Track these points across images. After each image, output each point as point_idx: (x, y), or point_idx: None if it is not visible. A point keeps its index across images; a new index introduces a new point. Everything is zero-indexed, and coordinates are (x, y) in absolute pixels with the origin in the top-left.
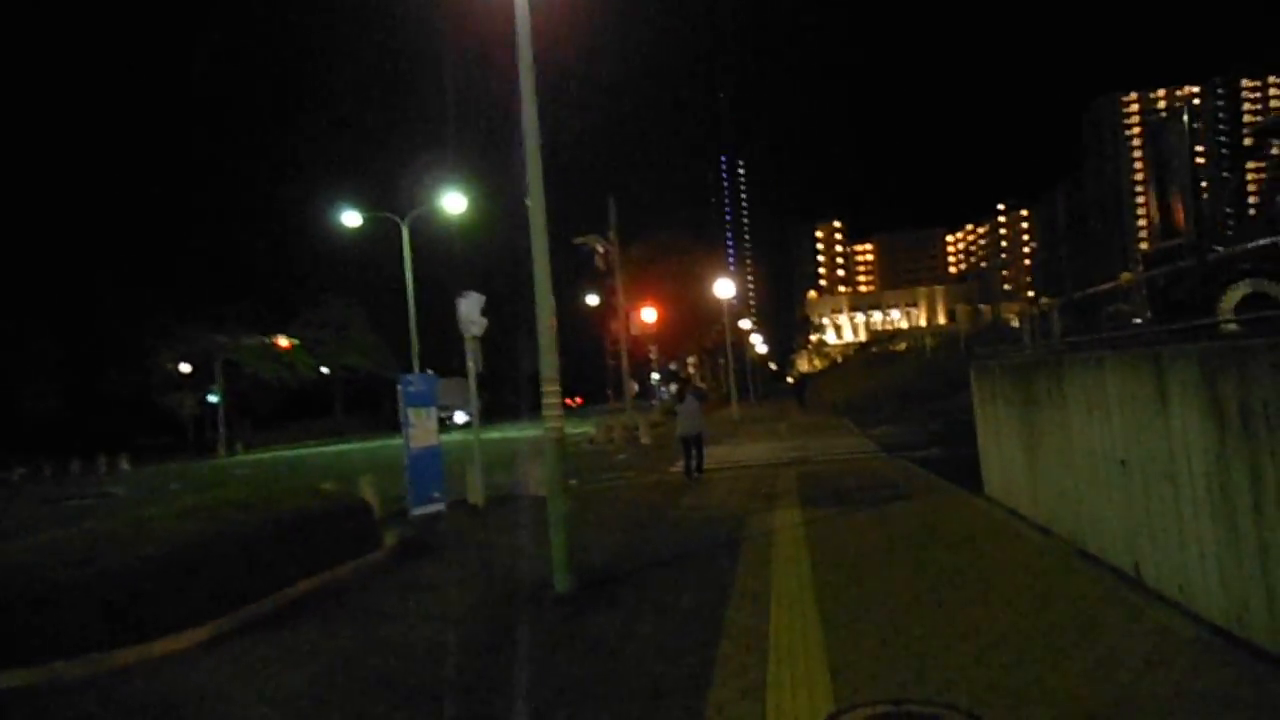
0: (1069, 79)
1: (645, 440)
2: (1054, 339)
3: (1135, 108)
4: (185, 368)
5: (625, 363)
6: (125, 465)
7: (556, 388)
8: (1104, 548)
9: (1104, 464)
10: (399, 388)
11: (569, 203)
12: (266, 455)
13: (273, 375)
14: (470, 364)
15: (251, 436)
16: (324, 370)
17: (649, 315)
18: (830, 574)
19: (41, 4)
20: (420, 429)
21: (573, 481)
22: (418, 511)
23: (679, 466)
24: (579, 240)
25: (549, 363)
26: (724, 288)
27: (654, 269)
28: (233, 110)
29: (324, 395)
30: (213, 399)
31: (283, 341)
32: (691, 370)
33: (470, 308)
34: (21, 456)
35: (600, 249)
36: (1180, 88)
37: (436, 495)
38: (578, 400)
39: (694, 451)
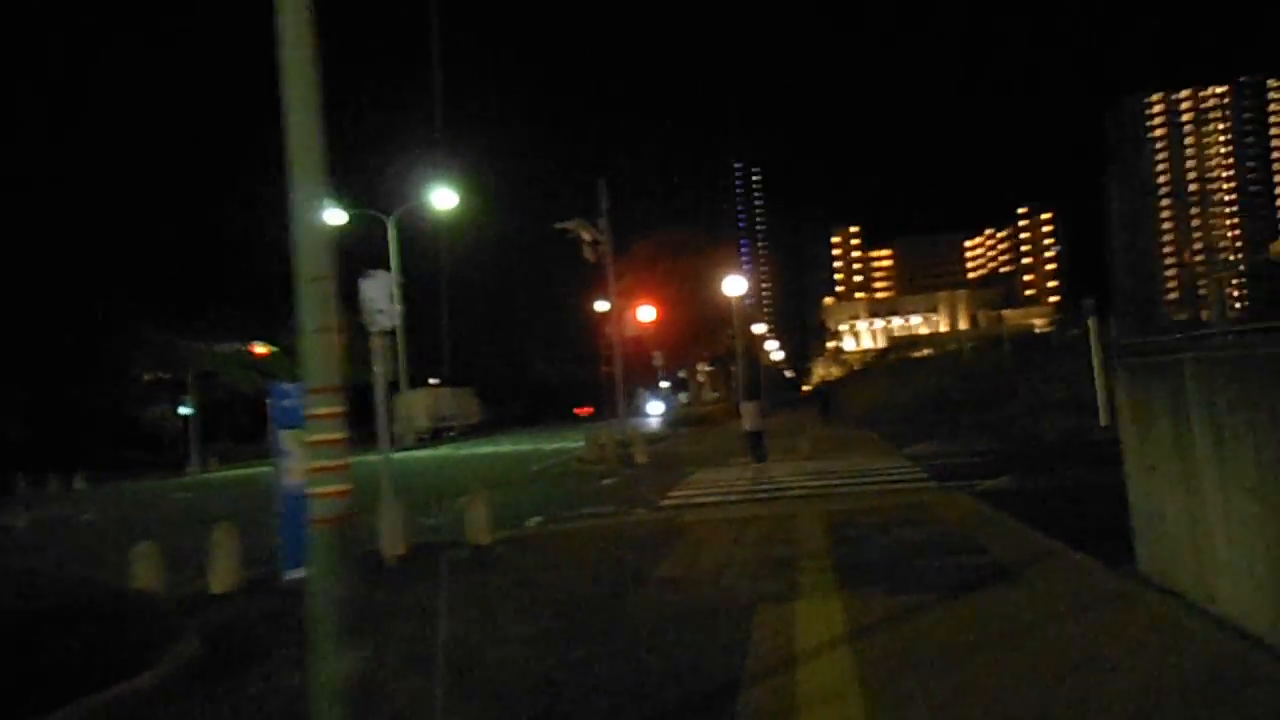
0: (1086, 80)
1: (641, 459)
2: None
3: (1160, 108)
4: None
5: (619, 367)
6: (79, 484)
7: (335, 410)
8: None
9: None
10: (269, 401)
11: (575, 207)
12: (238, 472)
13: (251, 386)
14: (376, 368)
15: (232, 451)
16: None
17: (646, 314)
18: None
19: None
20: (304, 459)
21: (533, 520)
22: (294, 575)
23: (671, 499)
24: (561, 226)
25: (318, 371)
26: (734, 284)
27: (661, 268)
28: (208, 105)
29: None
30: (184, 411)
31: (259, 349)
32: (702, 379)
33: (376, 291)
34: None
35: (587, 236)
36: (1205, 88)
37: None
38: (588, 410)
39: (759, 443)
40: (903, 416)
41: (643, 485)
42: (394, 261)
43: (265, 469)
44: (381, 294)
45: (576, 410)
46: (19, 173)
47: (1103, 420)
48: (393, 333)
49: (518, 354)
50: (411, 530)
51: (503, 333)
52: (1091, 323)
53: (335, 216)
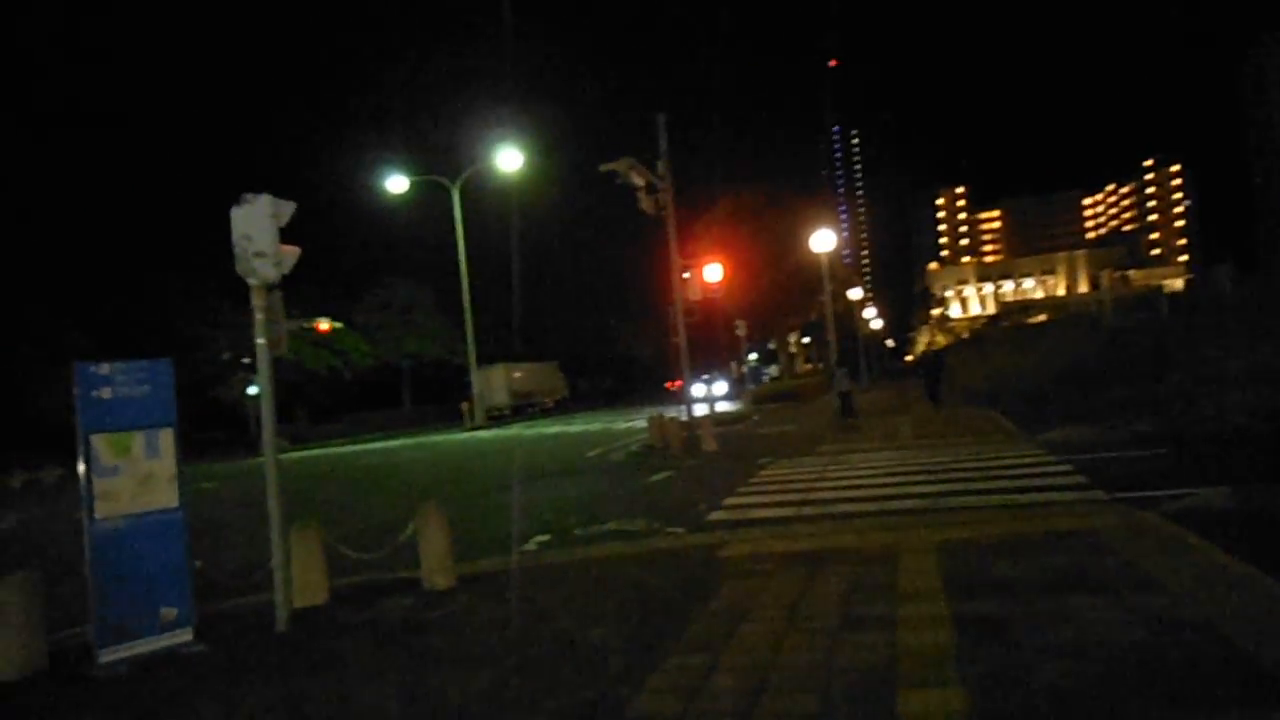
0: (1214, 18)
1: (708, 446)
2: None
3: None
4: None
5: (683, 336)
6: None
7: None
8: None
9: None
10: (75, 391)
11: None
12: (304, 454)
13: (320, 364)
14: (259, 334)
15: (306, 431)
16: (396, 358)
17: (713, 273)
18: None
19: None
20: (129, 478)
21: (534, 542)
22: (110, 658)
23: (725, 510)
24: (607, 168)
25: None
26: (824, 239)
27: (746, 227)
28: (277, 78)
29: (395, 384)
30: (252, 390)
31: (323, 325)
32: (794, 350)
33: (255, 226)
34: (32, 457)
35: (640, 181)
36: None
37: (171, 614)
38: (679, 384)
39: (848, 402)
40: (1028, 392)
41: (698, 483)
42: (459, 231)
43: (330, 450)
44: (262, 230)
45: (668, 384)
46: (93, 140)
47: None
48: (460, 305)
49: (603, 325)
50: (352, 562)
51: (586, 303)
52: None
53: (397, 184)
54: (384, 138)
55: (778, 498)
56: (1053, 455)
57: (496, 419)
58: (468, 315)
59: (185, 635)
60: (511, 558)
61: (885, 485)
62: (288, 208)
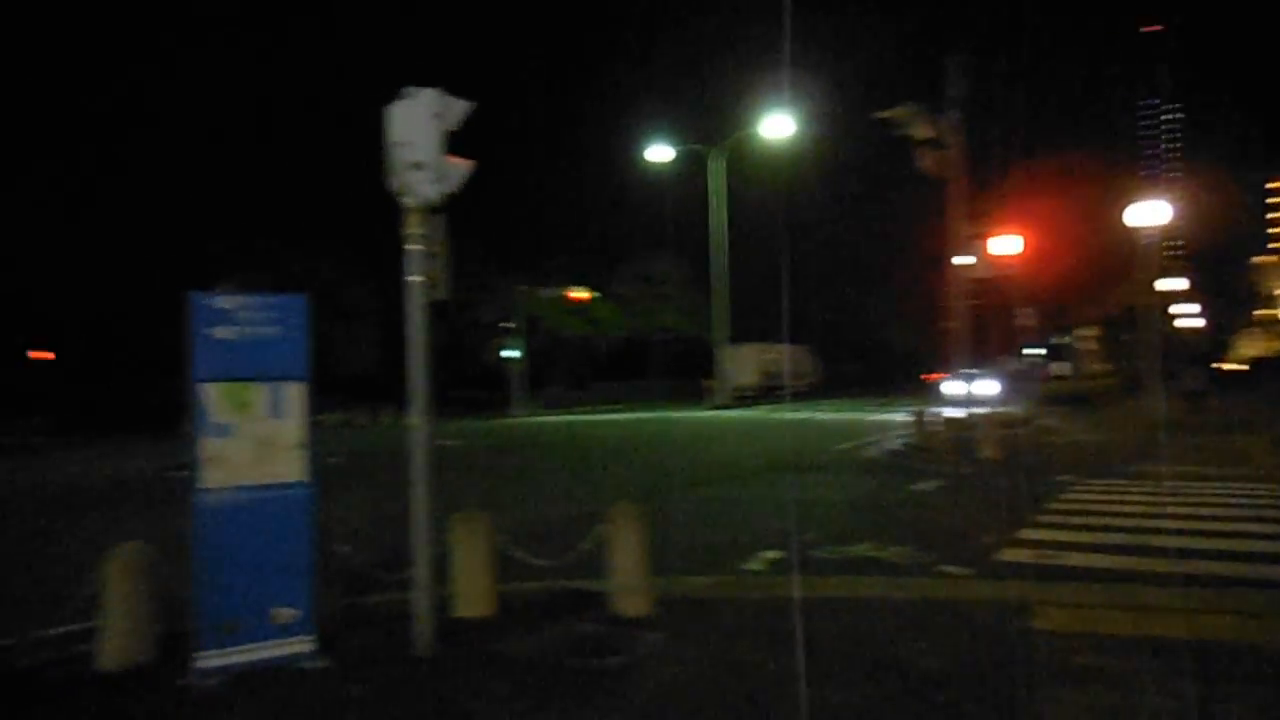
0: None
1: (988, 452)
2: None
3: None
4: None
5: (964, 320)
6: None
7: None
8: None
9: None
10: (193, 332)
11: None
12: (551, 419)
13: (574, 331)
14: (413, 269)
15: (561, 396)
16: (648, 331)
17: (1008, 245)
18: None
19: None
20: (245, 440)
21: (758, 560)
22: (209, 663)
23: (1021, 547)
24: (883, 115)
25: None
26: (1150, 211)
27: (1047, 199)
28: (537, 46)
29: (643, 356)
30: (506, 354)
31: (576, 294)
32: (1092, 345)
33: (413, 128)
34: (336, 402)
35: (922, 134)
36: None
37: (288, 615)
38: (939, 376)
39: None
40: None
41: (977, 501)
42: (716, 202)
43: (573, 418)
44: (423, 134)
45: (924, 376)
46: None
47: None
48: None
49: (860, 306)
50: (518, 566)
51: (847, 280)
52: None
53: (660, 153)
54: (648, 102)
55: (1098, 536)
56: None
57: (743, 400)
58: (722, 290)
59: (306, 644)
60: (719, 581)
61: (1262, 535)
62: (458, 107)
